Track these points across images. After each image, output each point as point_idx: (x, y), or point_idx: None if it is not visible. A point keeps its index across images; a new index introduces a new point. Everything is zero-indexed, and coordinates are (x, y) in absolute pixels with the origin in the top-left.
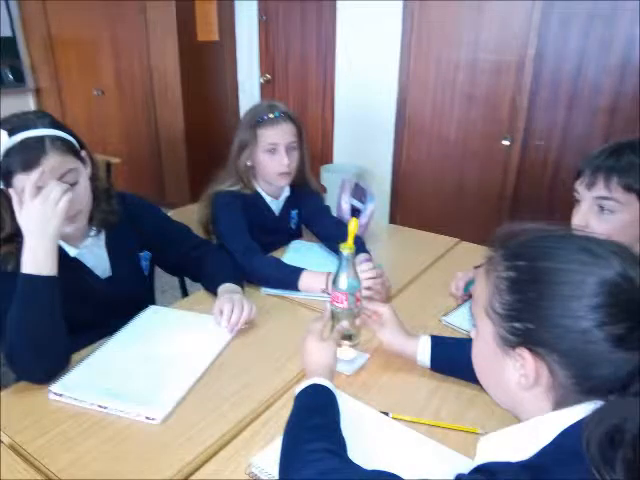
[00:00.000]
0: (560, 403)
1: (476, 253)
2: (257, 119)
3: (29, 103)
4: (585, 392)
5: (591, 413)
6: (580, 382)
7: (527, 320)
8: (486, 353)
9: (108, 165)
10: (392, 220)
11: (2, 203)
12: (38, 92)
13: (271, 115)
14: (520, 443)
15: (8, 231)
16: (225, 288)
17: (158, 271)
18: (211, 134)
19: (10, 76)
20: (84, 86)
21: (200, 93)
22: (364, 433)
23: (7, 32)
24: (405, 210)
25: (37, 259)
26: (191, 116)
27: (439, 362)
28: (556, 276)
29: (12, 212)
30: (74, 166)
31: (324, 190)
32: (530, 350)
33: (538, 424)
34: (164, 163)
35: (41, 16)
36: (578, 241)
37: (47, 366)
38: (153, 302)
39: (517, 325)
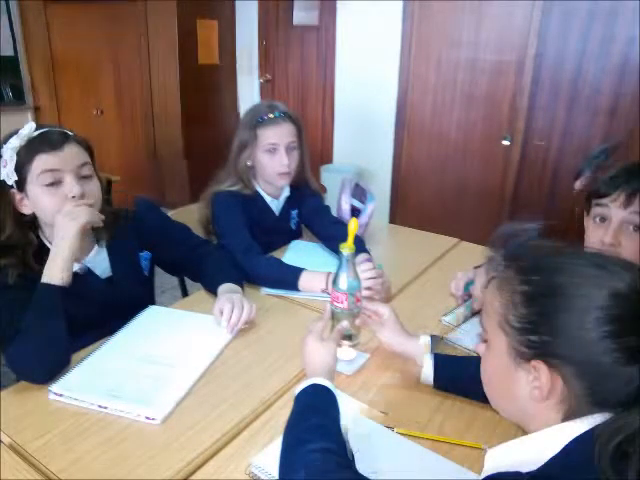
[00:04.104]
0: (570, 415)
1: (476, 253)
2: (257, 119)
3: (28, 121)
4: (596, 404)
5: (603, 425)
6: (593, 394)
7: (543, 333)
8: (497, 366)
9: (109, 183)
10: (392, 220)
11: (5, 205)
12: (37, 110)
13: (271, 115)
14: (529, 454)
15: (8, 233)
16: (225, 288)
17: (158, 271)
18: (210, 155)
19: (10, 94)
20: (84, 105)
21: (200, 114)
22: (368, 447)
23: (9, 51)
24: (405, 210)
25: (56, 270)
26: (190, 137)
27: (442, 381)
28: (571, 289)
29: (13, 213)
30: (90, 162)
31: (324, 190)
32: (545, 362)
33: (547, 435)
34: (162, 183)
35: (44, 36)
36: (590, 257)
37: (48, 366)
38: (153, 302)
39: (533, 338)
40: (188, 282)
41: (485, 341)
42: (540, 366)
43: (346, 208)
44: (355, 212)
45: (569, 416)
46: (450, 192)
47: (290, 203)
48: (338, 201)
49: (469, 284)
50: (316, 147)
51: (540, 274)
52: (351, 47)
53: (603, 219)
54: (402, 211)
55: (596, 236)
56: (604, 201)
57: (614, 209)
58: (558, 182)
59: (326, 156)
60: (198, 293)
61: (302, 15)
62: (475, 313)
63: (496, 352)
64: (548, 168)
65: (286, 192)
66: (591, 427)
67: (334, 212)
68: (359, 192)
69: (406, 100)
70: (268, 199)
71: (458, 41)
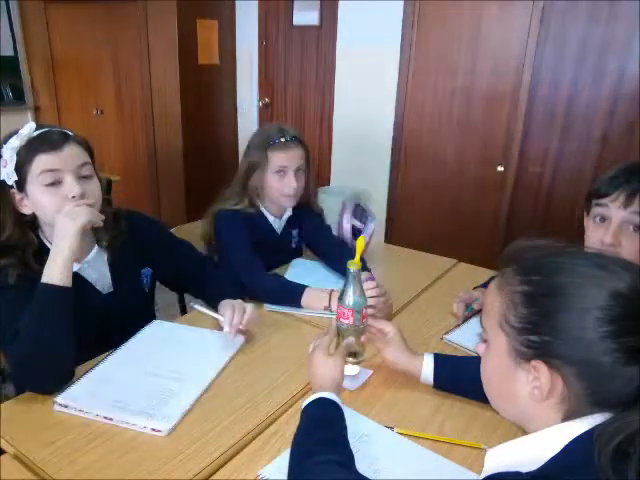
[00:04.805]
0: (570, 415)
1: (475, 272)
2: (269, 141)
3: (27, 121)
4: (596, 404)
5: (603, 425)
6: (593, 394)
7: (543, 333)
8: (497, 366)
9: (109, 183)
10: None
11: (5, 205)
12: (37, 110)
13: (282, 139)
14: (529, 454)
15: (8, 233)
16: (225, 302)
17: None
18: (208, 155)
19: (10, 94)
20: (84, 105)
21: (199, 114)
22: (368, 447)
23: (9, 51)
24: (400, 235)
25: (56, 270)
26: (190, 137)
27: (442, 380)
28: (571, 289)
29: (13, 213)
30: (90, 162)
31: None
32: (545, 362)
33: (547, 435)
34: (161, 182)
35: (43, 36)
36: (591, 257)
37: (55, 374)
38: (153, 316)
39: (533, 338)
40: (187, 298)
41: (485, 341)
42: (540, 366)
43: (347, 228)
44: (355, 232)
45: (569, 416)
46: (446, 218)
47: (291, 223)
48: (339, 221)
49: (470, 306)
50: (313, 170)
51: (540, 274)
52: (350, 76)
53: (603, 219)
54: (397, 236)
55: (596, 236)
56: (604, 201)
57: (614, 209)
58: (552, 208)
59: (322, 179)
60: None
61: (302, 15)
62: (475, 313)
63: (496, 352)
64: (542, 194)
65: (288, 212)
66: (591, 427)
67: (335, 232)
68: (359, 212)
69: (402, 127)
70: (271, 218)
71: (454, 68)
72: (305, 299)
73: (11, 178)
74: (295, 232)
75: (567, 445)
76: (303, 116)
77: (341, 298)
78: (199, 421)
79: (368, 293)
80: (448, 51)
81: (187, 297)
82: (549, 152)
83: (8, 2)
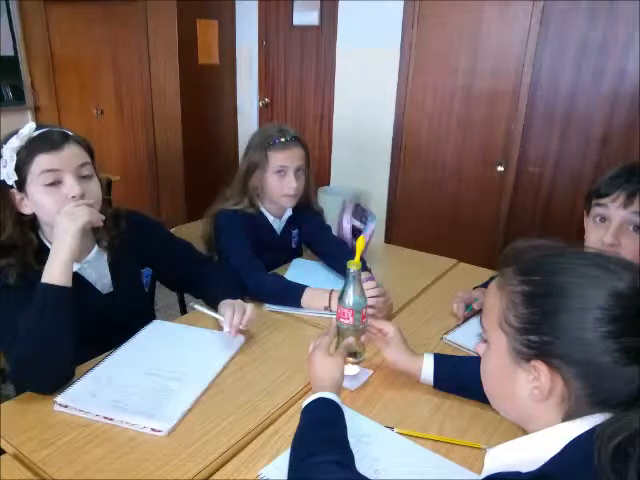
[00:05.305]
0: (570, 415)
1: (475, 272)
2: (269, 141)
3: (27, 121)
4: (597, 404)
5: (603, 425)
6: (593, 394)
7: (543, 333)
8: (497, 366)
9: (109, 183)
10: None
11: (5, 205)
12: (37, 110)
13: (282, 139)
14: (529, 454)
15: (8, 233)
16: (225, 302)
17: (156, 288)
18: (208, 155)
19: (10, 94)
20: (84, 105)
21: (199, 114)
22: (368, 447)
23: (9, 51)
24: (400, 235)
25: (56, 270)
26: (190, 137)
27: (442, 380)
28: (572, 289)
29: (13, 213)
30: (90, 162)
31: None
32: (545, 362)
33: (547, 435)
34: (161, 182)
35: (43, 36)
36: (591, 257)
37: (55, 374)
38: (153, 317)
39: (533, 338)
40: (187, 298)
41: (485, 341)
42: (540, 366)
43: (347, 228)
44: (355, 232)
45: (569, 416)
46: (446, 216)
47: (291, 223)
48: (340, 221)
49: (470, 305)
50: (313, 167)
51: (540, 274)
52: (350, 76)
53: (603, 219)
54: (397, 237)
55: (596, 236)
56: (604, 201)
57: (614, 209)
58: (552, 208)
59: (322, 179)
60: (197, 313)
61: (302, 15)
62: (475, 313)
63: (496, 352)
64: (542, 194)
65: (288, 212)
66: (591, 427)
67: (335, 232)
68: (359, 212)
69: (403, 127)
70: (270, 218)
71: (455, 68)
72: (305, 299)
73: (11, 178)
74: (295, 232)
75: (567, 445)
76: (303, 116)
77: (341, 298)
78: (199, 421)
79: (368, 293)
80: (448, 51)
81: (187, 297)
82: (549, 152)
83: (8, 2)
